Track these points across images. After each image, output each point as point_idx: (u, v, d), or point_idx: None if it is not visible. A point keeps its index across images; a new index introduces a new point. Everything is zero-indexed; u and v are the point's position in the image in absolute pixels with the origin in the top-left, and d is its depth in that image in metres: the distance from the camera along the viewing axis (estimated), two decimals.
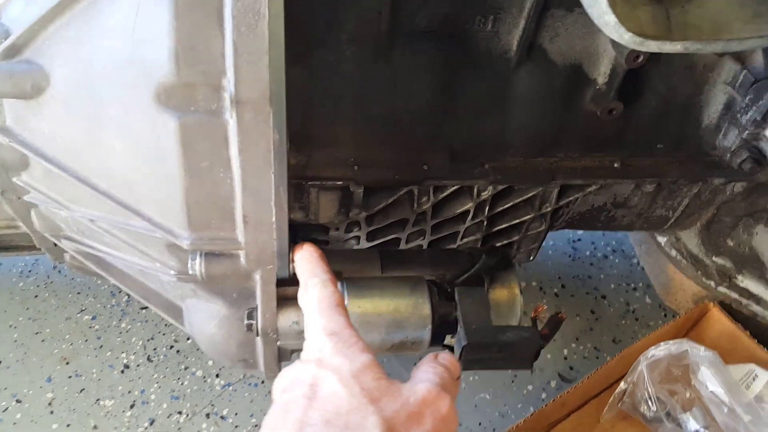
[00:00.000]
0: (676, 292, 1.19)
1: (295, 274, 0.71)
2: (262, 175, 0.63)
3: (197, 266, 0.68)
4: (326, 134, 0.84)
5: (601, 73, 0.85)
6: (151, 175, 0.65)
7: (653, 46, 0.64)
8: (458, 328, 0.70)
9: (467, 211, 0.93)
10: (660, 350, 1.01)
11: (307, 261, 0.68)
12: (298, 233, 0.87)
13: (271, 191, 0.63)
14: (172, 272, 0.73)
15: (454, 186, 0.90)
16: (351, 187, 0.85)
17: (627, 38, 0.62)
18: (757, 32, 0.65)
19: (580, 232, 1.43)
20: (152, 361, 1.25)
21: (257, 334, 0.71)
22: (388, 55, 0.79)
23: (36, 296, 1.35)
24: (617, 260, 1.39)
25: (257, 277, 0.70)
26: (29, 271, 1.41)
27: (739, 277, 1.11)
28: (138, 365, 1.24)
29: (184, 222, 0.66)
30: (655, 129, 0.92)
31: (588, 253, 1.39)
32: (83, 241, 0.82)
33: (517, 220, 0.97)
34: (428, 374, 0.56)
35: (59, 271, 1.41)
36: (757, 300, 1.10)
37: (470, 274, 0.79)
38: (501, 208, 0.94)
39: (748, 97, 0.86)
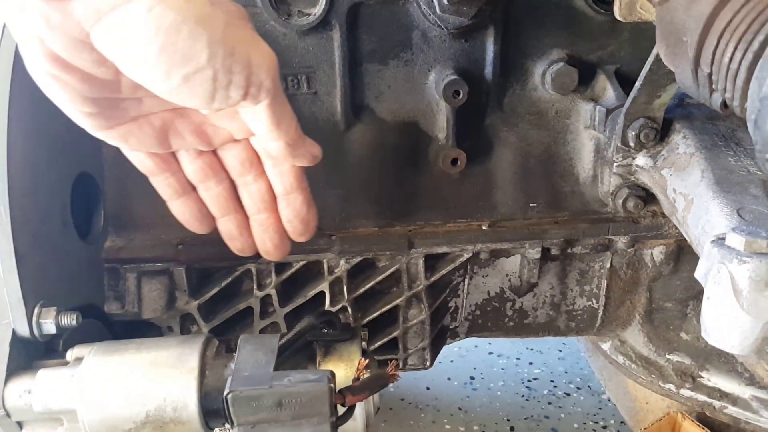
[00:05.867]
0: (645, 415, 0.94)
1: (43, 339, 0.60)
2: None
3: None
4: (148, 214, 0.78)
5: (440, 129, 0.80)
6: None
7: None
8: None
9: (323, 295, 0.81)
10: None
11: None
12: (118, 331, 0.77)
13: None
14: None
15: (299, 262, 0.80)
16: (171, 268, 0.77)
17: None
18: None
19: (536, 370, 1.21)
20: None
21: None
22: None
23: None
24: (582, 397, 1.14)
25: None
26: None
27: (705, 375, 0.87)
28: None
29: None
30: (522, 187, 0.83)
31: (546, 391, 1.16)
32: None
33: (389, 306, 0.83)
34: None
35: None
36: (733, 400, 0.85)
37: (288, 338, 0.64)
38: (363, 289, 0.81)
39: (607, 130, 0.78)
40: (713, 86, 0.47)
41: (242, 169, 0.60)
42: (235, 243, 0.64)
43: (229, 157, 0.60)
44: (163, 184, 0.60)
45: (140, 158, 0.58)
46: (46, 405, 0.57)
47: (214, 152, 0.59)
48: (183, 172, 0.60)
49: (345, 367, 0.66)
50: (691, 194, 0.67)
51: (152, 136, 0.55)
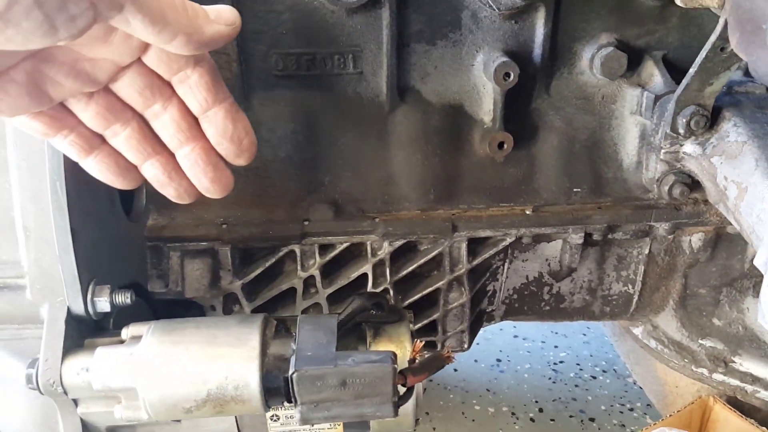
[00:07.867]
0: (674, 398, 0.95)
1: (96, 317, 0.60)
2: (39, 172, 0.56)
3: None
4: None
5: (486, 112, 0.79)
6: None
7: None
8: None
9: (365, 277, 0.81)
10: None
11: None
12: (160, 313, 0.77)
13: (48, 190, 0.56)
14: None
15: (342, 243, 0.80)
16: (216, 247, 0.77)
17: None
18: None
19: (561, 353, 1.22)
20: None
21: (39, 389, 0.57)
22: (248, 102, 0.76)
23: None
24: (608, 380, 1.15)
25: (44, 313, 0.59)
26: None
27: (737, 360, 0.88)
28: None
29: None
30: (566, 172, 0.82)
31: (572, 374, 1.17)
32: None
33: (430, 289, 0.83)
34: None
35: None
36: (766, 384, 0.86)
37: (341, 319, 0.64)
38: (405, 272, 0.81)
39: (655, 116, 0.77)
40: None
41: (144, 99, 0.50)
42: (168, 190, 0.54)
43: (124, 90, 0.50)
44: (65, 145, 0.50)
45: (25, 122, 0.48)
46: (105, 383, 0.57)
47: (109, 91, 0.50)
48: (84, 125, 0.51)
49: (395, 348, 0.66)
50: (744, 183, 0.67)
51: (23, 93, 0.45)
